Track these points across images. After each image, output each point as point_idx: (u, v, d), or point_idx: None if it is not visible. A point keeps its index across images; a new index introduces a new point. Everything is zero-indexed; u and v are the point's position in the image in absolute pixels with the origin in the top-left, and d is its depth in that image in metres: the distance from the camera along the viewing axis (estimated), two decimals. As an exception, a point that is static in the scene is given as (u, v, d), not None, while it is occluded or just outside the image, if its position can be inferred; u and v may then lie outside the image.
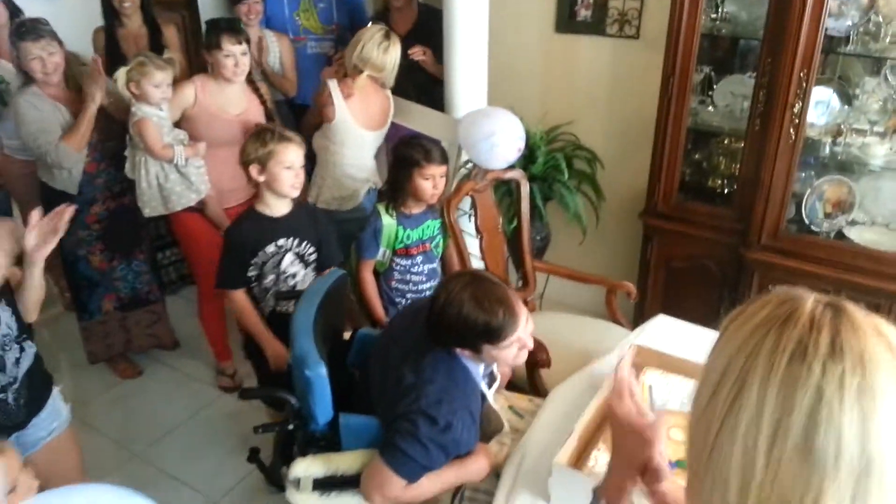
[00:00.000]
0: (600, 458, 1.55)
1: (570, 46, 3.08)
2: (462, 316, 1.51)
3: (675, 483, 0.98)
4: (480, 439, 1.75)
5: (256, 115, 2.70)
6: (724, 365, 0.66)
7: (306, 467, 1.63)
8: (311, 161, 2.53)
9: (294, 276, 2.22)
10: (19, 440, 1.71)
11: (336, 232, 2.37)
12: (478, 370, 1.67)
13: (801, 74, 2.23)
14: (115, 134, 2.69)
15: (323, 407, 1.64)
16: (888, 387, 0.59)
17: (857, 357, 0.60)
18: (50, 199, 2.62)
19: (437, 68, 3.04)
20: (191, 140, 2.57)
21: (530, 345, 1.63)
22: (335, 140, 2.66)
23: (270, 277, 2.20)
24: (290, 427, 1.68)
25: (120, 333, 3.02)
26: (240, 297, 2.18)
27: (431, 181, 2.27)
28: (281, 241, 2.18)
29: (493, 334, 1.53)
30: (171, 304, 3.42)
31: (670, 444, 1.56)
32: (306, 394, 1.63)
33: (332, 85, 2.62)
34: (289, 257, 2.20)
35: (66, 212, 1.69)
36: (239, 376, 3.01)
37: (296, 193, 2.18)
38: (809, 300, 0.65)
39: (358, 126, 2.66)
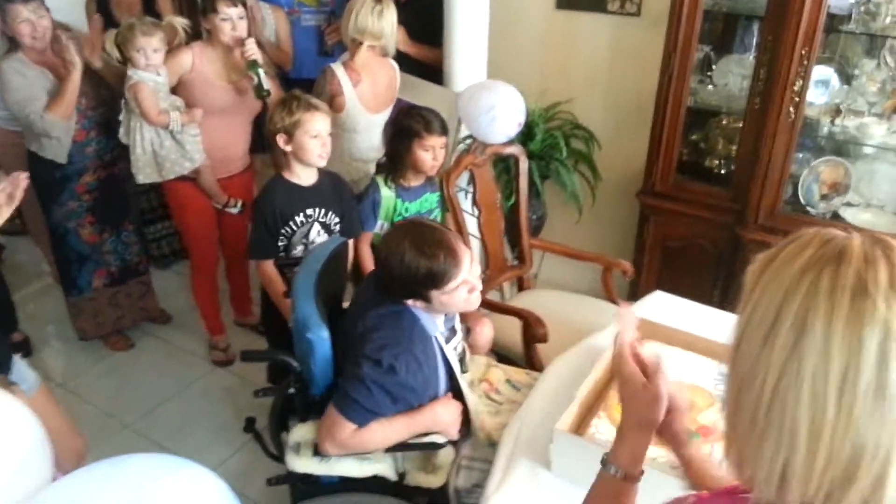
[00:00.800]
0: (600, 426, 1.55)
1: (571, 23, 3.06)
2: (405, 264, 1.53)
3: (698, 447, 0.97)
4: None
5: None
6: (774, 310, 0.63)
7: (306, 432, 1.63)
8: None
9: None
10: None
11: None
12: (434, 323, 1.66)
13: (803, 52, 2.23)
14: (105, 100, 2.64)
15: (324, 370, 1.63)
16: None
17: None
18: (38, 168, 2.56)
19: (414, 48, 2.95)
20: (187, 107, 2.53)
21: (479, 286, 1.64)
22: (346, 127, 2.59)
23: (299, 248, 2.22)
24: (291, 391, 1.68)
25: (110, 311, 2.98)
26: (269, 267, 2.20)
27: (431, 152, 2.25)
28: (309, 211, 2.20)
29: (437, 279, 1.54)
30: (163, 278, 3.39)
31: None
32: (307, 357, 1.62)
33: (340, 72, 2.53)
34: (316, 227, 2.23)
35: (22, 179, 1.68)
36: (232, 350, 2.98)
37: (323, 163, 2.19)
38: (855, 237, 0.64)
39: (368, 112, 2.60)
